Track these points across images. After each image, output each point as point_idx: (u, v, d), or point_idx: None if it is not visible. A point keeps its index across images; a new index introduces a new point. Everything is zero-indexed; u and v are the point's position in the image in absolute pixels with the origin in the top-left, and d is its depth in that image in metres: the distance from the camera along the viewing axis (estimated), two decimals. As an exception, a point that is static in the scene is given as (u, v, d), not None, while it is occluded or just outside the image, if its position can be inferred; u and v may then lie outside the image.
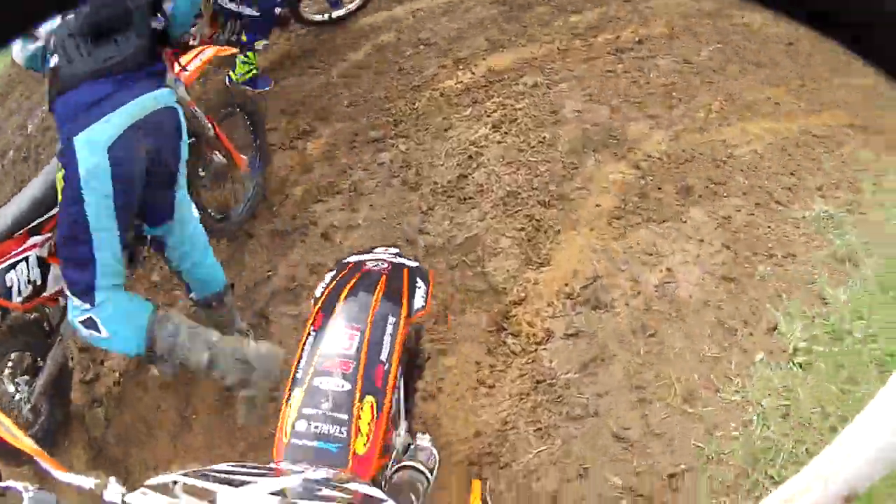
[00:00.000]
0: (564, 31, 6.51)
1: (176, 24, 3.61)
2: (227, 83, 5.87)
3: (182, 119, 3.53)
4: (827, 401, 3.69)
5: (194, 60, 4.22)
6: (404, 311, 2.22)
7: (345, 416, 1.94)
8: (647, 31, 6.45)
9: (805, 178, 5.05)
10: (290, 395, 2.04)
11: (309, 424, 1.95)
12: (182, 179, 3.65)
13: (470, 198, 5.03)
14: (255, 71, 5.97)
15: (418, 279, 2.38)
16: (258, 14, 5.57)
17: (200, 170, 4.50)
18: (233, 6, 5.47)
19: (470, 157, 5.31)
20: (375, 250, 2.58)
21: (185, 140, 3.58)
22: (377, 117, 5.91)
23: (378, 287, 2.25)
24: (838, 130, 5.57)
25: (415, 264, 2.49)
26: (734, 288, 4.35)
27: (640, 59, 6.04)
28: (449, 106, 5.87)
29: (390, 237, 4.82)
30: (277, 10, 5.83)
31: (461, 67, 6.29)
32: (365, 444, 1.94)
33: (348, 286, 2.25)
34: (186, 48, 4.22)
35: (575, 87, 5.79)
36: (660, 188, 4.91)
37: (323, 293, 2.28)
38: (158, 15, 3.49)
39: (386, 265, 2.39)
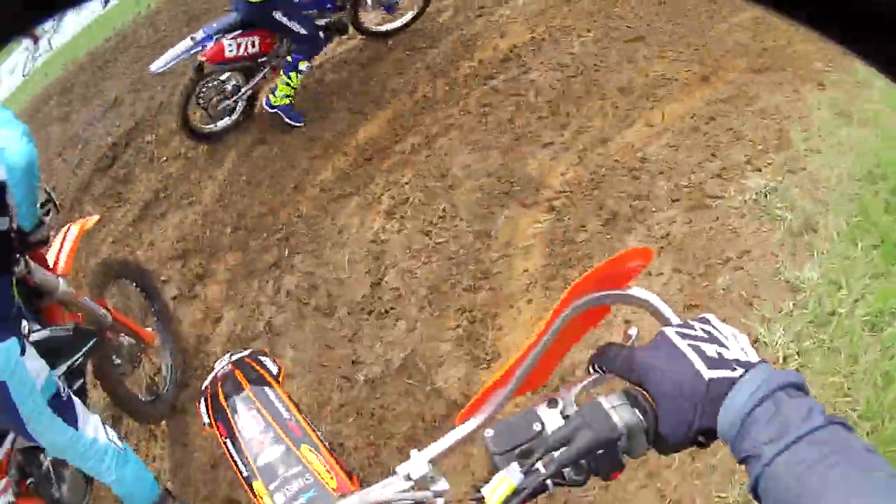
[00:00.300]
0: (423, 73, 6.13)
1: (23, 216, 3.30)
2: (265, 105, 6.16)
3: (13, 393, 3.07)
4: (834, 393, 3.43)
5: (63, 248, 3.94)
6: (271, 380, 2.53)
7: (300, 468, 2.19)
8: (509, 42, 6.12)
9: (730, 155, 4.79)
10: (253, 491, 2.22)
11: (284, 493, 2.16)
12: (36, 421, 3.21)
13: (391, 308, 4.64)
14: (291, 97, 6.14)
15: (259, 357, 2.68)
16: (305, 33, 5.83)
17: (114, 357, 4.17)
18: (284, 20, 5.70)
19: (375, 258, 4.93)
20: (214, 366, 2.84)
21: (23, 411, 3.13)
22: (266, 237, 5.48)
23: (239, 380, 2.54)
24: (743, 83, 5.33)
25: (247, 351, 2.77)
26: (700, 314, 3.95)
27: (512, 80, 5.69)
28: (333, 202, 5.48)
29: (327, 381, 4.42)
30: (322, 35, 6.08)
31: (332, 152, 5.91)
32: (332, 478, 2.17)
33: (220, 395, 2.51)
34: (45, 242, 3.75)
35: (455, 137, 5.42)
36: (583, 226, 4.59)
37: (207, 415, 2.51)
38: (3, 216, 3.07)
39: (229, 366, 2.66)
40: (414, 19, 6.78)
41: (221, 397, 2.53)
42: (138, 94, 7.55)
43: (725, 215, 4.41)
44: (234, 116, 6.25)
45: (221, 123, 6.23)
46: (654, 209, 4.54)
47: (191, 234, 5.76)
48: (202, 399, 2.63)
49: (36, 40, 9.39)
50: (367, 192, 5.38)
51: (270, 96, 6.11)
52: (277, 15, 5.65)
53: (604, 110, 5.25)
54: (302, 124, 6.21)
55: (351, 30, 6.55)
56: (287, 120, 6.15)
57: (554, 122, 5.28)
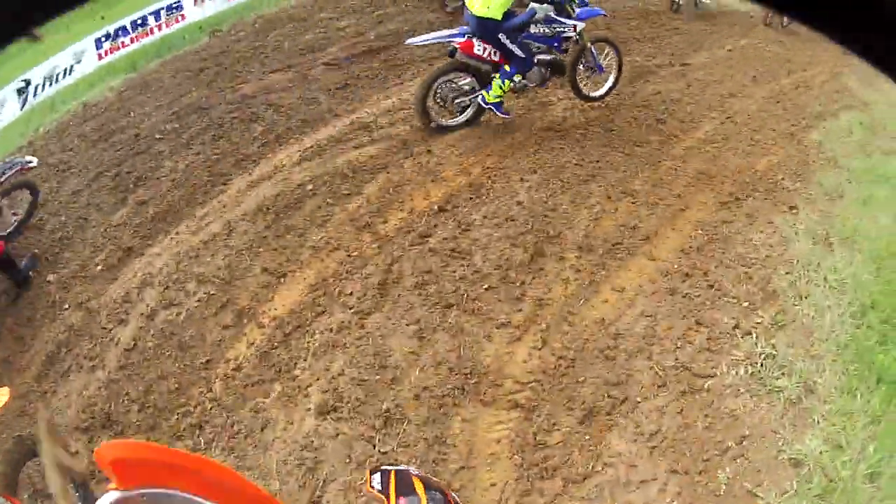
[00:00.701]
0: (348, 227, 5.72)
1: None
2: (481, 101, 7.26)
3: None
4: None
5: None
6: None
7: None
8: (443, 188, 5.72)
9: (717, 321, 4.53)
10: None
11: None
12: None
13: (336, 536, 4.08)
14: (502, 97, 7.28)
15: (455, 496, 2.99)
16: (522, 56, 7.13)
17: None
18: (507, 42, 7.03)
19: (309, 469, 4.34)
20: (403, 466, 3.15)
21: None
22: (177, 420, 4.86)
23: (445, 495, 2.85)
24: (714, 223, 5.15)
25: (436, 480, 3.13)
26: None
27: (452, 239, 5.28)
28: (251, 387, 4.89)
29: None
30: (540, 70, 7.37)
31: (247, 321, 5.34)
32: None
33: (415, 481, 2.83)
34: None
35: (392, 312, 4.96)
36: (554, 424, 4.22)
37: (381, 484, 2.79)
38: None
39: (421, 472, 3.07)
40: (614, 84, 7.80)
41: (418, 483, 2.82)
42: (42, 222, 7.11)
43: (720, 397, 4.15)
44: (465, 116, 7.36)
45: (455, 120, 7.36)
46: (637, 399, 4.19)
47: (95, 405, 5.13)
48: (377, 475, 2.88)
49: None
50: (290, 379, 4.85)
51: (485, 94, 7.26)
52: (501, 37, 7.04)
53: (563, 275, 4.92)
54: (510, 117, 7.38)
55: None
56: (498, 113, 7.27)
57: (507, 293, 4.90)
